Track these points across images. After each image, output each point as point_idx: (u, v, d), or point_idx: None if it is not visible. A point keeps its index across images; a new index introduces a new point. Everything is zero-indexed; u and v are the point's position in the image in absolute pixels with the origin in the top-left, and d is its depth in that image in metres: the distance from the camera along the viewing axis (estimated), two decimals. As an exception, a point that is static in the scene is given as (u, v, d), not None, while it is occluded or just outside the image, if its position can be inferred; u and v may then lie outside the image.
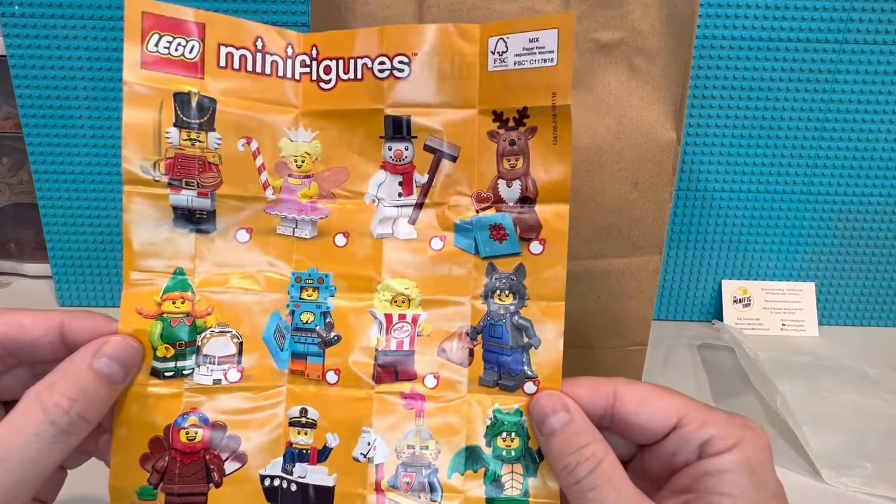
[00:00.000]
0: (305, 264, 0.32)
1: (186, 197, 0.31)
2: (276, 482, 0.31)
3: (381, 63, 0.31)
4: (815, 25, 0.60)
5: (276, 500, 0.31)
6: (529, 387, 0.30)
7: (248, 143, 0.31)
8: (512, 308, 0.31)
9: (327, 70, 0.32)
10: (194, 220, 0.31)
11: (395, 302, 0.32)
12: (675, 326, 0.69)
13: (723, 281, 0.69)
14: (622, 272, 0.43)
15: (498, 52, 0.30)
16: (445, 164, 0.32)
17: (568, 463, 0.28)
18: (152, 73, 0.30)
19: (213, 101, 0.31)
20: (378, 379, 0.32)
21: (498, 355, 0.31)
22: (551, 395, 0.29)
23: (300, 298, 0.32)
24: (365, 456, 0.31)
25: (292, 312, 0.32)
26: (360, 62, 0.31)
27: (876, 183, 0.65)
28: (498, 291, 0.31)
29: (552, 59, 0.29)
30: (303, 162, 0.32)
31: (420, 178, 0.32)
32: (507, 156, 0.31)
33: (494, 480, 0.30)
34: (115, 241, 0.67)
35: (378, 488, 0.31)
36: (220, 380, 0.31)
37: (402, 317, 0.32)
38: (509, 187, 0.31)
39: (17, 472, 0.25)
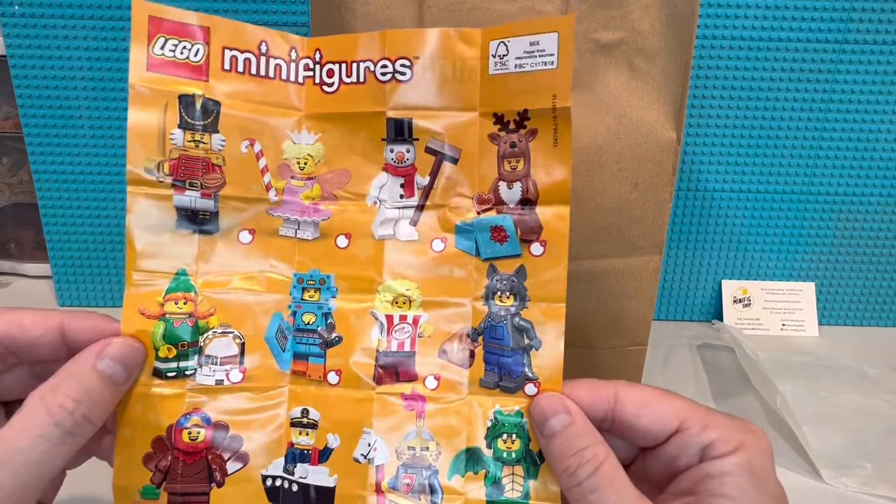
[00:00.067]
0: (307, 265, 0.33)
1: (190, 198, 0.31)
2: (278, 482, 0.31)
3: (384, 66, 0.31)
4: (815, 25, 0.60)
5: (278, 501, 0.31)
6: (530, 388, 0.31)
7: (252, 145, 0.32)
8: (513, 309, 0.31)
9: (330, 73, 0.32)
10: (197, 220, 0.31)
11: (397, 303, 0.32)
12: (675, 326, 0.69)
13: (723, 281, 0.69)
14: (622, 272, 0.43)
15: (499, 56, 0.30)
16: (447, 167, 0.32)
17: (569, 465, 0.28)
18: (158, 75, 0.30)
19: (217, 103, 0.31)
20: (379, 380, 0.32)
21: (499, 357, 0.31)
22: (552, 397, 0.29)
23: (302, 299, 0.32)
24: (365, 457, 0.31)
25: (294, 313, 0.32)
26: (362, 66, 0.32)
27: (876, 183, 0.65)
28: (499, 293, 0.31)
29: (552, 62, 0.29)
30: (305, 164, 0.32)
31: (421, 180, 0.32)
32: (508, 158, 0.31)
33: (495, 482, 0.30)
34: (115, 241, 0.67)
35: (378, 489, 0.31)
36: (223, 380, 0.31)
37: (403, 318, 0.32)
38: (510, 189, 0.31)
39: (21, 474, 0.25)
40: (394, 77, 0.32)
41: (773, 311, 0.69)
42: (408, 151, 0.32)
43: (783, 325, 0.68)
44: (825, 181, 0.65)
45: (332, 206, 0.33)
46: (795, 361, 0.62)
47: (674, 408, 0.28)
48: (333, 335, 0.32)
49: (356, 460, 0.31)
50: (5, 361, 0.29)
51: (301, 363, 0.32)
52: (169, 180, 0.31)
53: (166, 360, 0.30)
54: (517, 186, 0.31)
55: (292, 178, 0.33)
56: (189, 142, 0.31)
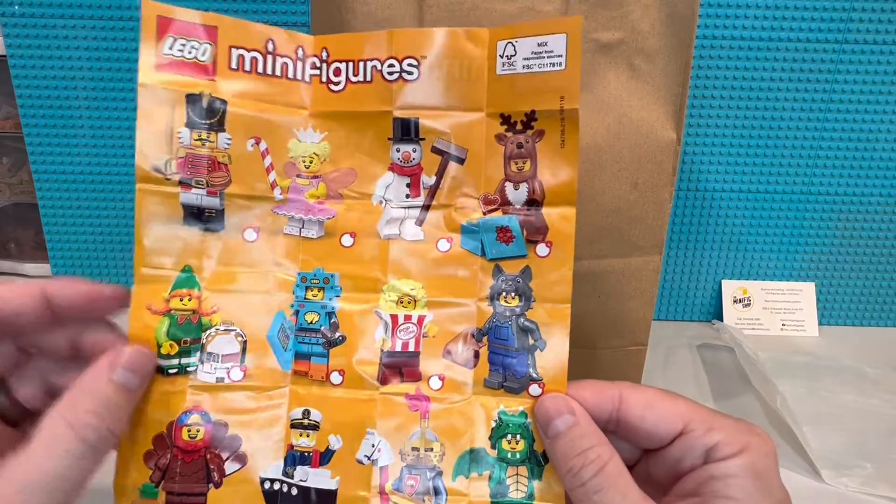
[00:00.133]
0: (311, 264, 0.33)
1: (196, 196, 0.31)
2: (276, 486, 0.31)
3: (391, 66, 0.31)
4: (815, 25, 0.60)
5: None
6: (534, 389, 0.30)
7: (258, 144, 0.32)
8: (518, 310, 0.31)
9: (337, 72, 0.32)
10: (203, 218, 0.31)
11: (401, 303, 0.32)
12: (675, 326, 0.69)
13: (723, 281, 0.69)
14: (622, 272, 0.43)
15: (506, 56, 0.30)
16: (453, 167, 0.32)
17: (573, 465, 0.28)
18: (166, 75, 0.30)
19: (223, 102, 0.31)
20: (383, 380, 0.32)
21: (503, 357, 0.31)
22: (556, 398, 0.29)
23: (305, 298, 0.32)
24: (369, 458, 0.31)
25: (297, 312, 0.32)
26: (369, 64, 0.32)
27: (876, 183, 0.65)
28: (504, 293, 0.31)
29: (560, 64, 0.29)
30: (311, 162, 0.33)
31: (427, 179, 0.32)
32: (515, 159, 0.31)
33: (499, 483, 0.30)
34: (115, 241, 0.67)
35: (382, 491, 0.30)
36: (223, 378, 0.31)
37: (407, 318, 0.32)
38: (516, 190, 0.31)
39: (55, 495, 0.25)
40: (401, 76, 0.32)
41: (773, 311, 0.69)
42: (414, 151, 0.32)
43: (783, 325, 0.68)
44: (825, 181, 0.65)
45: (337, 205, 0.33)
46: (795, 361, 0.61)
47: (678, 410, 0.28)
48: (337, 334, 0.32)
49: (359, 462, 0.31)
50: None
51: (303, 363, 0.32)
52: (176, 178, 0.31)
53: (168, 356, 0.30)
54: (523, 187, 0.31)
55: (298, 176, 0.33)
56: (195, 140, 0.31)
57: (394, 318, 0.32)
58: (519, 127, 0.31)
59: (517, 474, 0.30)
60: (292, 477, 0.31)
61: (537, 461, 0.30)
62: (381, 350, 0.32)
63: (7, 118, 0.68)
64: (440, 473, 0.31)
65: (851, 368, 0.60)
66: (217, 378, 0.31)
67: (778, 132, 0.63)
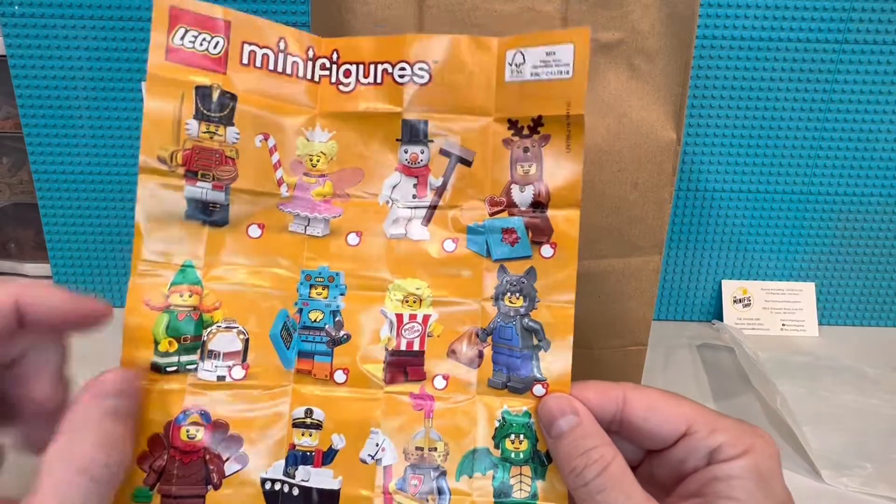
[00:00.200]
0: (316, 262, 0.32)
1: (201, 189, 0.31)
2: (278, 486, 0.30)
3: (402, 69, 0.32)
4: (815, 25, 0.60)
5: None
6: (538, 389, 0.31)
7: (266, 140, 0.32)
8: (522, 310, 0.31)
9: (347, 73, 0.32)
10: (207, 212, 0.31)
11: (407, 302, 0.32)
12: (675, 326, 0.69)
13: (723, 281, 0.69)
14: (622, 272, 0.43)
15: (515, 64, 0.31)
16: (460, 169, 0.32)
17: (576, 465, 0.28)
18: (176, 65, 0.30)
19: (233, 96, 0.31)
20: (388, 379, 0.32)
21: (507, 357, 0.31)
22: (560, 398, 0.29)
23: (309, 296, 0.32)
24: (373, 457, 0.31)
25: (300, 310, 0.32)
26: (380, 67, 0.32)
27: (876, 183, 0.65)
28: (508, 294, 0.32)
29: (567, 72, 0.30)
30: (318, 161, 0.33)
31: (434, 180, 0.33)
32: (521, 162, 0.31)
33: (503, 483, 0.30)
34: (115, 241, 0.67)
35: (385, 491, 0.30)
36: (225, 377, 0.31)
37: (412, 317, 0.32)
38: (522, 192, 0.31)
39: None
40: (411, 79, 0.32)
41: (773, 311, 0.69)
42: (422, 152, 0.32)
43: (783, 325, 0.68)
44: (825, 181, 0.65)
45: (343, 204, 0.33)
46: (795, 361, 0.62)
47: (682, 411, 0.28)
48: (342, 333, 0.32)
49: (363, 461, 0.31)
50: None
51: (306, 361, 0.32)
52: (181, 170, 0.30)
53: (166, 353, 0.30)
54: (529, 190, 0.31)
55: (304, 174, 0.33)
56: (204, 133, 0.31)
57: (399, 317, 0.32)
58: (525, 132, 0.31)
59: (521, 474, 0.30)
60: (294, 477, 0.30)
61: (541, 461, 0.30)
62: (386, 349, 0.32)
63: (7, 118, 0.68)
64: (444, 473, 0.31)
65: (851, 368, 0.60)
66: (218, 376, 0.31)
67: (778, 132, 0.63)
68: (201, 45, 0.30)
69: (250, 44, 0.31)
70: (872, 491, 0.46)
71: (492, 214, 0.32)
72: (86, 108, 0.62)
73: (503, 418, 0.31)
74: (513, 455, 0.30)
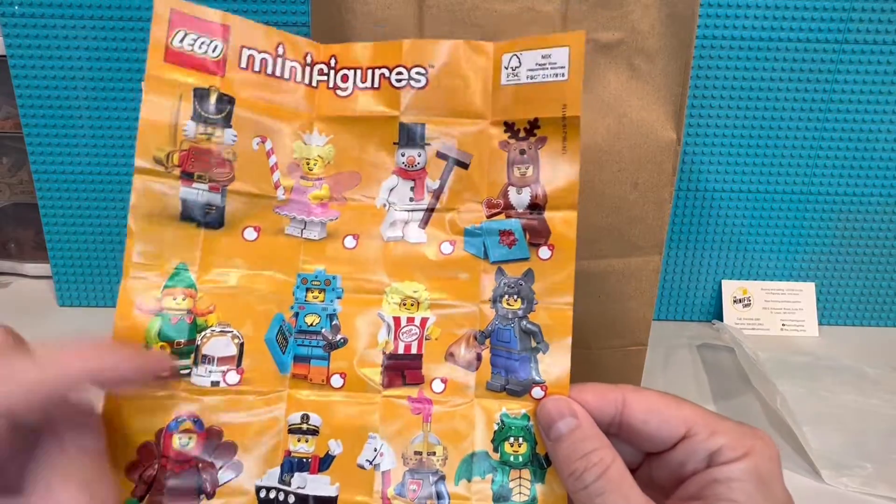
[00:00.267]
0: (313, 265, 0.32)
1: (197, 191, 0.31)
2: (273, 494, 0.30)
3: (399, 73, 0.32)
4: (815, 25, 0.60)
5: None
6: (537, 392, 0.30)
7: (263, 142, 0.32)
8: (520, 313, 0.31)
9: (344, 78, 0.33)
10: (202, 215, 0.31)
11: (404, 305, 0.32)
12: (675, 326, 0.69)
13: (723, 281, 0.69)
14: (622, 272, 0.43)
15: (511, 67, 0.31)
16: (457, 171, 0.32)
17: (575, 468, 0.27)
18: (175, 67, 0.30)
19: (231, 99, 0.31)
20: (385, 383, 0.31)
21: (506, 360, 0.31)
22: (559, 400, 0.29)
23: (305, 300, 0.32)
24: (371, 463, 0.30)
25: (296, 314, 0.32)
26: (377, 72, 0.32)
27: (876, 183, 0.65)
28: (506, 296, 0.31)
29: (563, 74, 0.30)
30: (315, 165, 0.33)
31: (432, 183, 0.33)
32: (518, 164, 0.31)
33: (502, 486, 0.30)
34: (115, 241, 0.67)
35: (384, 497, 0.30)
36: (219, 382, 0.30)
37: (410, 320, 0.32)
38: (519, 194, 0.31)
39: None
40: (408, 83, 0.32)
41: (773, 311, 0.69)
42: (419, 156, 0.32)
43: (783, 325, 0.68)
44: (825, 181, 0.65)
45: (340, 208, 0.33)
46: (795, 361, 0.62)
47: (681, 414, 0.28)
48: (338, 337, 0.32)
49: (360, 467, 0.30)
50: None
51: (302, 366, 0.31)
52: (177, 171, 0.30)
53: None
54: (526, 192, 0.31)
55: (301, 177, 0.33)
56: (201, 134, 0.31)
57: (396, 320, 0.32)
58: (522, 134, 0.31)
59: (520, 477, 0.30)
60: (289, 484, 0.30)
61: (540, 464, 0.30)
62: (384, 352, 0.32)
63: (7, 118, 0.68)
64: (443, 478, 0.30)
65: (851, 368, 0.60)
66: (212, 382, 0.30)
67: (778, 132, 0.63)
68: (200, 48, 0.31)
69: (249, 48, 0.31)
70: (872, 491, 0.46)
71: (489, 217, 0.32)
72: (86, 108, 0.62)
73: (502, 421, 0.31)
74: (512, 458, 0.30)
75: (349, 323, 0.32)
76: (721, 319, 0.69)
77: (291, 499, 0.30)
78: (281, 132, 0.32)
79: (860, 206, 0.66)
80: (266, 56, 0.32)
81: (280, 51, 0.32)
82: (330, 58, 0.33)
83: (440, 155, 0.32)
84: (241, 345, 0.31)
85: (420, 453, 0.31)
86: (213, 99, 0.31)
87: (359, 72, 0.32)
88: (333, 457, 0.31)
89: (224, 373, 0.30)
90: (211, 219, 0.31)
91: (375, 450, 0.31)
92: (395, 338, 0.32)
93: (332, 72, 0.33)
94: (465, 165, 0.32)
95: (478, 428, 0.31)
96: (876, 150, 0.64)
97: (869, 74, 0.61)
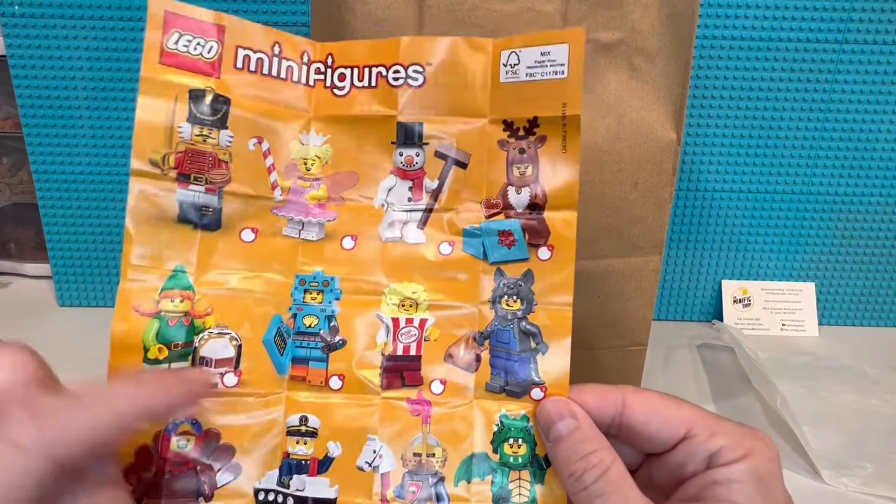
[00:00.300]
0: (311, 267, 0.32)
1: (194, 193, 0.30)
2: (272, 496, 0.30)
3: (396, 72, 0.32)
4: (815, 25, 0.60)
5: None
6: (536, 393, 0.30)
7: (259, 143, 0.31)
8: (519, 313, 0.31)
9: (342, 77, 0.32)
10: (199, 216, 0.30)
11: (403, 306, 0.32)
12: (675, 326, 0.69)
13: (723, 281, 0.69)
14: (622, 272, 0.43)
15: (510, 65, 0.31)
16: (455, 171, 0.32)
17: (575, 469, 0.27)
18: (170, 69, 0.30)
19: (227, 100, 0.31)
20: (384, 385, 0.31)
21: (505, 361, 0.31)
22: (558, 401, 0.29)
23: (303, 301, 0.32)
24: (370, 465, 0.30)
25: (295, 316, 0.32)
26: (374, 70, 0.32)
27: (876, 183, 0.65)
28: (506, 297, 0.31)
29: (563, 72, 0.30)
30: (312, 165, 0.32)
31: (430, 183, 0.32)
32: (517, 163, 0.31)
33: (501, 488, 0.30)
34: (116, 241, 0.67)
35: (383, 499, 0.30)
36: (217, 384, 0.30)
37: (409, 321, 0.32)
38: (518, 194, 0.31)
39: None
40: (406, 82, 0.32)
41: (773, 311, 0.69)
42: (417, 155, 0.32)
43: (783, 325, 0.68)
44: (825, 181, 0.65)
45: (338, 208, 0.33)
46: (795, 361, 0.62)
47: (681, 415, 0.28)
48: (337, 338, 0.32)
49: (360, 469, 0.30)
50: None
51: (300, 368, 0.31)
52: (173, 173, 0.30)
53: (156, 361, 0.29)
54: (525, 191, 0.31)
55: (299, 178, 0.32)
56: (197, 136, 0.30)
57: (395, 321, 0.32)
58: (521, 133, 0.31)
59: (519, 479, 0.30)
60: (288, 486, 0.30)
61: (539, 465, 0.30)
62: (383, 354, 0.31)
63: (7, 118, 0.68)
64: (442, 479, 0.30)
65: (851, 368, 0.60)
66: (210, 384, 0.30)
67: (778, 132, 0.63)
68: (195, 49, 0.30)
69: (244, 48, 0.31)
70: (872, 491, 0.46)
71: (488, 217, 0.32)
72: (86, 108, 0.62)
73: (501, 422, 0.31)
74: (511, 459, 0.30)
75: (348, 324, 0.32)
76: (721, 319, 0.69)
77: (290, 501, 0.30)
78: (278, 132, 0.32)
79: (860, 206, 0.66)
80: (262, 56, 0.31)
81: (276, 50, 0.32)
82: (327, 56, 0.32)
83: (438, 154, 0.32)
84: (239, 347, 0.31)
85: (419, 455, 0.31)
86: (208, 100, 0.30)
87: (356, 70, 0.32)
88: (332, 459, 0.30)
89: (222, 375, 0.30)
90: (208, 220, 0.31)
91: (374, 451, 0.30)
92: (394, 339, 0.32)
93: (329, 70, 0.32)
94: (463, 165, 0.32)
95: (477, 429, 0.31)
96: (876, 150, 0.64)
97: (869, 74, 0.61)
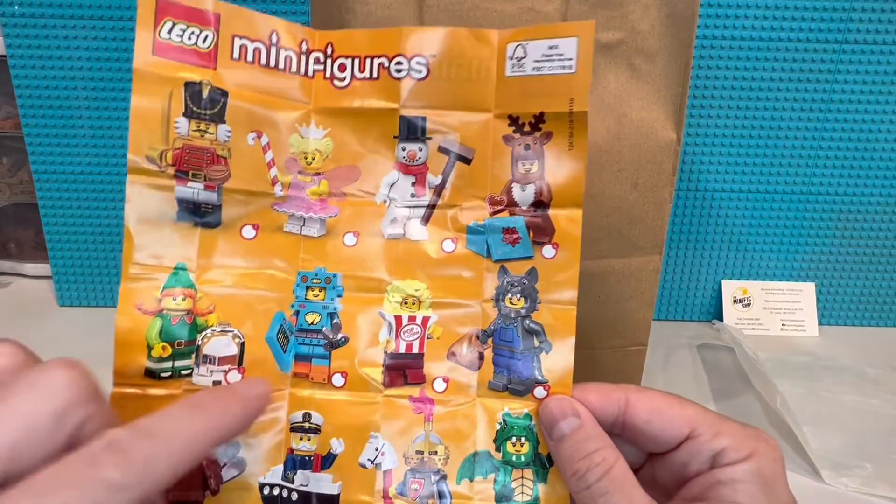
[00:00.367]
0: (312, 263, 0.32)
1: (193, 190, 0.30)
2: (276, 491, 0.30)
3: (399, 63, 0.31)
4: (815, 25, 0.60)
5: None
6: (539, 391, 0.30)
7: (259, 138, 0.31)
8: (523, 312, 0.31)
9: (342, 68, 0.31)
10: (199, 213, 0.30)
11: (406, 304, 0.32)
12: (675, 326, 0.69)
13: (723, 281, 0.69)
14: (622, 272, 0.43)
15: (516, 58, 0.30)
16: (459, 167, 0.32)
17: (578, 468, 0.27)
18: (164, 60, 0.29)
19: (224, 92, 0.30)
20: (387, 382, 0.31)
21: (508, 359, 0.31)
22: (561, 400, 0.29)
23: (306, 298, 0.32)
24: (372, 462, 0.30)
25: (297, 313, 0.31)
26: (376, 61, 0.31)
27: (876, 183, 0.65)
28: (509, 295, 0.31)
29: (571, 67, 0.29)
30: (313, 159, 0.32)
31: (433, 179, 0.32)
32: (522, 160, 0.31)
33: (504, 486, 0.30)
34: (115, 241, 0.67)
35: (385, 496, 0.30)
36: (221, 381, 0.30)
37: (411, 319, 0.32)
38: (523, 191, 0.31)
39: None
40: (409, 74, 0.31)
41: (773, 311, 0.69)
42: (420, 150, 0.32)
43: (783, 325, 0.68)
44: (825, 181, 0.65)
45: (339, 203, 0.32)
46: (795, 361, 0.62)
47: (685, 414, 0.28)
48: (339, 336, 0.31)
49: (362, 466, 0.30)
50: None
51: (303, 365, 0.31)
52: (171, 170, 0.29)
53: (160, 359, 0.29)
54: (530, 188, 0.31)
55: (299, 173, 0.32)
56: (194, 131, 0.29)
57: (398, 319, 0.32)
58: (527, 128, 0.31)
59: (522, 477, 0.30)
60: (292, 482, 0.30)
61: (542, 464, 0.30)
62: (385, 352, 0.31)
63: (7, 118, 0.68)
64: (444, 477, 0.30)
65: (851, 368, 0.60)
66: (214, 381, 0.30)
67: (778, 132, 0.63)
68: (190, 39, 0.29)
69: (241, 37, 0.30)
70: (872, 491, 0.46)
71: (492, 214, 0.31)
72: (86, 108, 0.62)
73: (504, 421, 0.31)
74: (514, 458, 0.30)
75: (350, 321, 0.32)
76: (721, 319, 0.69)
77: (295, 496, 0.30)
78: (277, 126, 0.31)
79: (860, 206, 0.66)
80: (259, 45, 0.30)
81: (274, 39, 0.31)
82: (326, 45, 0.31)
83: (442, 149, 0.32)
84: (242, 344, 0.30)
85: (421, 453, 0.30)
86: (205, 93, 0.29)
87: (356, 61, 0.31)
88: (335, 455, 0.30)
89: (225, 372, 0.30)
90: (208, 218, 0.30)
91: (377, 449, 0.30)
92: (397, 337, 0.31)
93: (328, 60, 0.31)
94: (467, 160, 0.31)
95: (480, 427, 0.31)
96: (876, 150, 0.64)
97: (869, 74, 0.61)
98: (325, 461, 0.30)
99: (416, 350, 0.31)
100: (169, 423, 0.23)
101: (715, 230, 0.67)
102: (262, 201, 0.31)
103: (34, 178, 0.64)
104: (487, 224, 0.31)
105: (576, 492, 0.28)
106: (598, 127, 0.40)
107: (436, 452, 0.30)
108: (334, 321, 0.32)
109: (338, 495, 0.30)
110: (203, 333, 0.30)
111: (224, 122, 0.30)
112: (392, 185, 0.32)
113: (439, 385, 0.31)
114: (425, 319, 0.32)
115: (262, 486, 0.30)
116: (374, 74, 0.31)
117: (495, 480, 0.30)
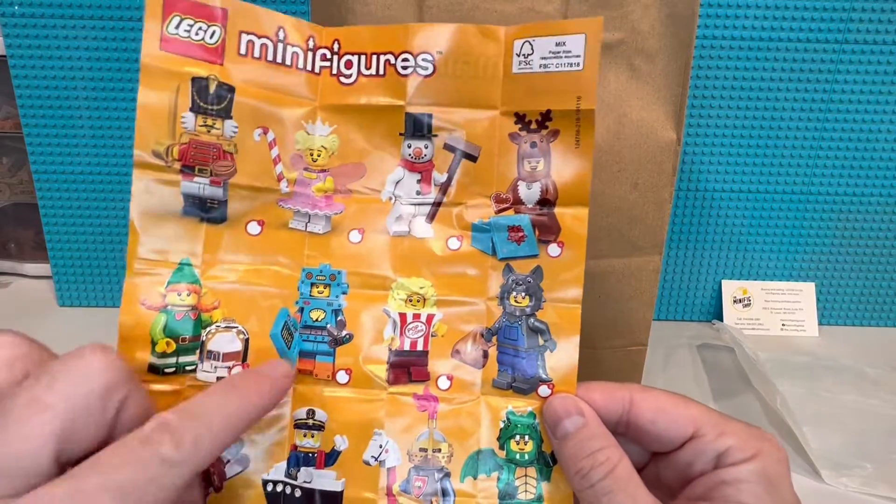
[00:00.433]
0: (317, 260, 0.32)
1: (199, 185, 0.30)
2: (280, 487, 0.30)
3: (405, 60, 0.31)
4: (815, 25, 0.60)
5: None
6: (544, 390, 0.30)
7: (265, 134, 0.31)
8: (528, 310, 0.31)
9: (348, 64, 0.31)
10: (205, 209, 0.30)
11: (410, 301, 0.32)
12: (675, 326, 0.69)
13: (723, 281, 0.69)
14: (622, 272, 0.43)
15: (523, 55, 0.30)
16: (465, 164, 0.32)
17: (581, 467, 0.27)
18: (171, 55, 0.29)
19: (231, 88, 0.30)
20: (391, 380, 0.31)
21: (513, 357, 0.31)
22: (565, 399, 0.29)
23: (310, 295, 0.32)
24: (376, 459, 0.30)
25: (301, 309, 0.31)
26: (382, 58, 0.31)
27: (876, 183, 0.65)
28: (514, 293, 0.31)
29: (578, 64, 0.29)
30: (319, 156, 0.32)
31: (439, 176, 0.32)
32: (528, 158, 0.31)
33: (507, 484, 0.30)
34: (115, 241, 0.67)
35: (389, 493, 0.30)
36: (224, 378, 0.30)
37: (416, 316, 0.32)
38: (529, 189, 0.31)
39: None
40: (415, 71, 0.31)
41: (773, 311, 0.69)
42: (426, 147, 0.32)
43: (783, 325, 0.68)
44: (825, 181, 0.65)
45: (345, 200, 0.32)
46: (795, 361, 0.62)
47: (689, 414, 0.28)
48: (344, 333, 0.31)
49: (366, 463, 0.30)
50: None
51: (308, 361, 0.31)
52: (177, 165, 0.29)
53: (164, 355, 0.29)
54: (536, 186, 0.31)
55: (305, 169, 0.32)
56: (201, 126, 0.29)
57: (402, 316, 0.32)
58: (533, 126, 0.30)
59: (526, 475, 0.30)
60: (296, 478, 0.30)
61: (546, 462, 0.30)
62: (390, 349, 0.31)
63: (7, 118, 0.68)
64: (448, 474, 0.30)
65: (851, 368, 0.60)
66: (218, 377, 0.30)
67: (778, 132, 0.63)
68: (197, 34, 0.29)
69: (248, 33, 0.30)
70: (872, 491, 0.46)
71: (498, 212, 0.31)
72: (86, 108, 0.62)
73: (508, 419, 0.30)
74: (518, 456, 0.30)
75: (354, 319, 0.32)
76: (721, 319, 0.69)
77: (298, 493, 0.30)
78: (283, 122, 0.31)
79: (860, 206, 0.66)
80: (266, 41, 0.30)
81: (281, 35, 0.31)
82: (333, 42, 0.31)
83: (448, 147, 0.31)
84: (247, 340, 0.30)
85: (425, 450, 0.30)
86: (212, 88, 0.29)
87: (363, 57, 0.31)
88: (339, 452, 0.30)
89: (230, 368, 0.30)
90: (214, 213, 0.30)
91: (381, 446, 0.30)
92: (401, 334, 0.31)
93: (335, 57, 0.31)
94: (473, 158, 0.31)
95: (483, 425, 0.31)
96: (876, 150, 0.64)
97: (869, 74, 0.61)
98: (329, 458, 0.30)
99: (420, 347, 0.31)
100: (210, 404, 0.24)
101: (715, 230, 0.67)
102: (268, 197, 0.31)
103: (34, 178, 0.64)
104: (493, 222, 0.31)
105: (579, 490, 0.28)
106: (599, 127, 0.40)
107: (439, 450, 0.30)
108: (339, 318, 0.32)
109: (341, 492, 0.30)
110: (207, 329, 0.30)
111: (231, 118, 0.30)
112: (397, 183, 0.32)
113: (443, 383, 0.31)
114: (430, 317, 0.32)
115: (265, 483, 0.30)
116: (381, 71, 0.31)
117: (499, 478, 0.30)
